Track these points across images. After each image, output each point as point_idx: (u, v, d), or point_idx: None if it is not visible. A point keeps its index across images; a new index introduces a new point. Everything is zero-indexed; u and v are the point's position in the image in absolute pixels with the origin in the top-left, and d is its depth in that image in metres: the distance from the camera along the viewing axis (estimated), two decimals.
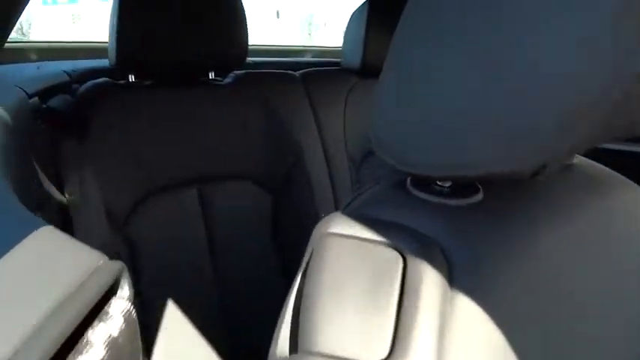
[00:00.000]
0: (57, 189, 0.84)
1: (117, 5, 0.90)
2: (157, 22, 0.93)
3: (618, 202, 0.44)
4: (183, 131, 1.03)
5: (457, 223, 0.32)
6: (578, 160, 0.47)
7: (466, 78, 0.30)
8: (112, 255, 0.36)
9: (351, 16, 1.41)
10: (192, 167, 1.05)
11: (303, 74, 1.32)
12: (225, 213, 1.10)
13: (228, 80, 1.15)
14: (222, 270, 1.09)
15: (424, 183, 0.35)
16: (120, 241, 0.94)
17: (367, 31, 1.33)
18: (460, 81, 0.30)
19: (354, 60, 1.38)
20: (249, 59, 1.36)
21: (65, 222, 0.84)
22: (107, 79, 1.00)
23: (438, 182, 0.35)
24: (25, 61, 1.32)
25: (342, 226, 0.32)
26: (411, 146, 0.32)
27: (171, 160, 1.01)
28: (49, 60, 1.31)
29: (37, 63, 1.16)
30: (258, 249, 1.15)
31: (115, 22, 0.90)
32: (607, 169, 0.48)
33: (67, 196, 0.84)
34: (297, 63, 1.49)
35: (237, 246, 1.12)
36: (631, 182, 0.48)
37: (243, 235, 1.13)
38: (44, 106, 0.86)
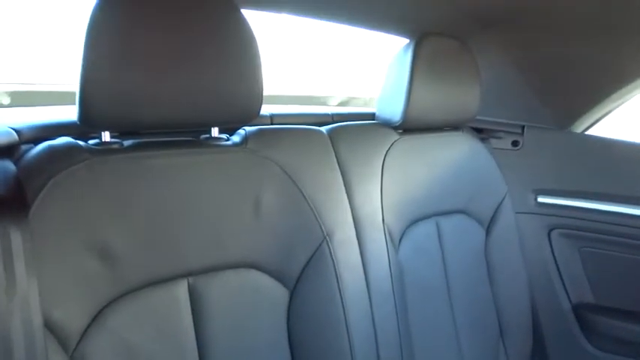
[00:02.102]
0: None
1: (85, 34, 0.65)
2: (140, 56, 0.67)
3: None
4: (173, 209, 0.76)
5: None
6: None
7: None
8: None
9: (391, 63, 1.17)
10: (182, 256, 0.78)
11: (332, 130, 1.06)
12: (224, 313, 0.82)
13: (235, 139, 0.89)
14: None
15: None
16: None
17: (411, 79, 1.08)
18: None
19: (394, 113, 1.13)
20: (264, 111, 1.10)
21: None
22: (68, 139, 0.74)
23: None
24: None
25: None
26: None
27: (152, 247, 0.74)
28: (24, 106, 1.08)
29: None
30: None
31: (82, 58, 0.65)
32: None
33: None
34: (324, 115, 1.24)
35: (239, 357, 0.83)
36: None
37: (248, 341, 0.84)
38: None
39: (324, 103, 1.70)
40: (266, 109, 1.14)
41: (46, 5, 1.05)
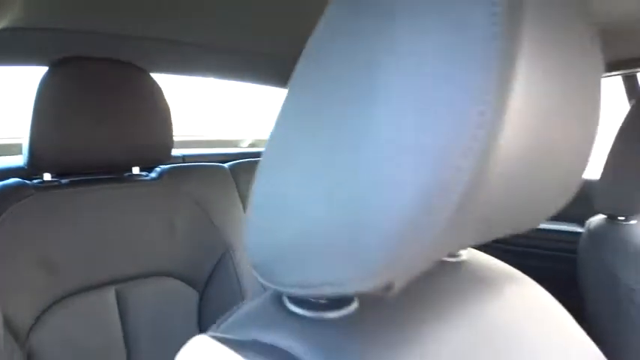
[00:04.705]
0: None
1: (34, 101, 0.89)
2: (75, 116, 0.92)
3: (511, 299, 0.44)
4: (101, 231, 0.99)
5: (331, 340, 0.31)
6: (469, 253, 0.47)
7: (312, 179, 0.27)
8: None
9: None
10: (110, 267, 1.00)
11: (232, 166, 1.32)
12: (145, 313, 1.04)
13: (152, 175, 1.14)
14: None
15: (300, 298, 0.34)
16: (22, 357, 0.86)
17: None
18: (308, 184, 0.27)
19: None
20: (178, 153, 1.35)
21: None
22: (18, 179, 0.96)
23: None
24: None
25: (207, 352, 0.30)
26: (280, 264, 0.31)
27: (86, 261, 0.96)
28: None
29: None
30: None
31: (31, 118, 0.89)
32: (499, 262, 0.48)
33: None
34: (229, 154, 1.51)
35: (158, 348, 1.05)
36: (524, 276, 0.48)
37: (166, 335, 1.06)
38: None
39: (237, 145, 1.97)
40: (180, 151, 1.39)
41: None
